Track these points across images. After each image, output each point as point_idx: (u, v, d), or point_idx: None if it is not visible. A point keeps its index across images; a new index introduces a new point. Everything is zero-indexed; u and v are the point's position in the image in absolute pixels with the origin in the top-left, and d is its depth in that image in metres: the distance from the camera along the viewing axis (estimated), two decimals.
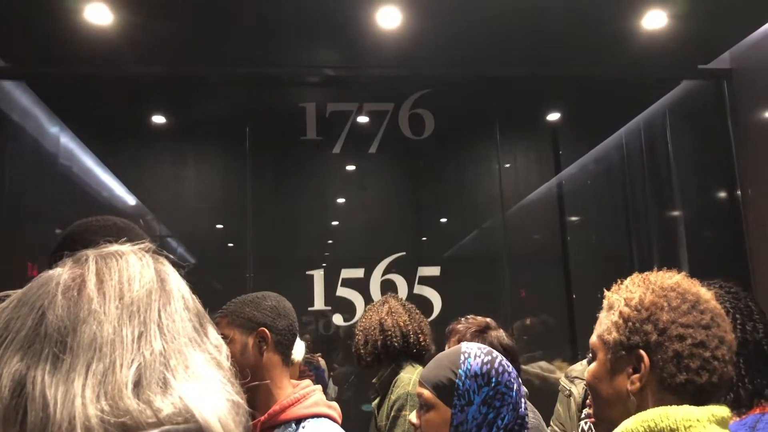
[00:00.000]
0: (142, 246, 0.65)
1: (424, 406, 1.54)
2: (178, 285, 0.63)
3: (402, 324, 2.84)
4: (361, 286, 4.53)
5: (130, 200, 4.59)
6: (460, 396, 1.50)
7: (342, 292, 4.52)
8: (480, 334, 2.45)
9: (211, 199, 4.76)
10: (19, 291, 0.59)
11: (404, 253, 4.61)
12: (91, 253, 0.62)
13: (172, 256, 0.67)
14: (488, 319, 2.60)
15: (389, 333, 2.81)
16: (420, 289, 4.56)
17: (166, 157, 4.78)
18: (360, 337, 2.91)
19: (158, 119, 4.73)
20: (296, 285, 4.49)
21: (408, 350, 2.82)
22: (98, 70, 4.31)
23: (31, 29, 3.81)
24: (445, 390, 1.51)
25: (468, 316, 2.64)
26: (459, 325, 2.58)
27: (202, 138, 4.76)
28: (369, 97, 4.73)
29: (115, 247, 0.64)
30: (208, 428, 0.54)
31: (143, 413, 0.52)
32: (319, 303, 4.49)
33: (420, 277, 4.58)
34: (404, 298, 4.36)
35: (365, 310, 3.02)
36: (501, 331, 2.56)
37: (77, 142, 4.53)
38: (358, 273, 4.56)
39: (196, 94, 4.72)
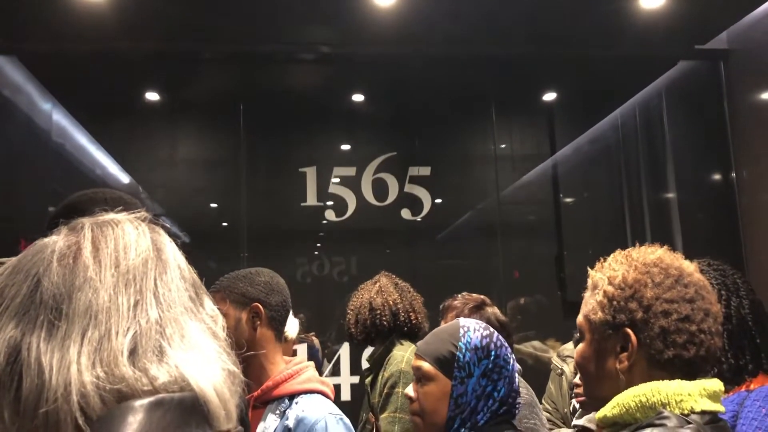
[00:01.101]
0: (138, 215, 0.65)
1: (423, 379, 1.55)
2: (174, 255, 0.63)
3: (391, 302, 2.85)
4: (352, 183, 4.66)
5: (124, 178, 4.57)
6: (460, 368, 1.51)
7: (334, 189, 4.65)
8: (477, 310, 2.49)
9: (206, 178, 4.75)
10: (14, 258, 0.59)
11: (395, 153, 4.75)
12: (86, 221, 0.62)
13: (168, 226, 0.67)
14: (483, 297, 2.63)
15: (378, 312, 2.82)
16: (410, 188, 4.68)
17: (160, 135, 4.76)
18: (351, 316, 2.92)
19: (152, 96, 4.70)
20: (291, 251, 4.54)
21: (399, 328, 2.84)
22: (92, 46, 4.26)
23: (24, 3, 3.76)
24: (446, 362, 1.53)
25: (464, 293, 2.66)
26: (456, 302, 2.61)
27: (196, 115, 4.74)
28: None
29: (111, 216, 0.64)
30: (204, 397, 0.54)
31: (139, 381, 0.52)
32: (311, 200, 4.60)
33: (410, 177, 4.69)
34: (395, 196, 4.45)
35: (357, 289, 3.02)
36: (496, 308, 2.59)
37: (70, 119, 4.50)
38: (350, 171, 4.66)
39: (190, 72, 4.68)
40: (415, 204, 4.66)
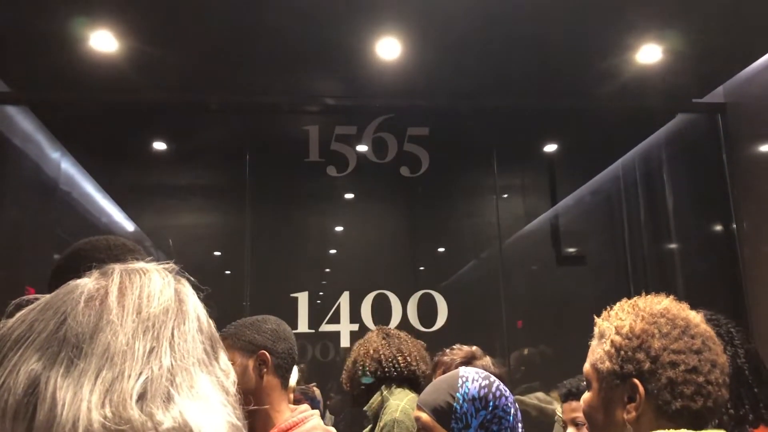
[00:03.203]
0: (166, 266, 0.68)
1: (422, 430, 1.55)
2: (195, 307, 0.66)
3: (372, 351, 2.82)
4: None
5: (129, 226, 4.60)
6: (457, 419, 1.51)
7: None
8: (465, 365, 2.44)
9: (210, 226, 4.78)
10: (48, 296, 0.62)
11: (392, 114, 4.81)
12: (117, 267, 0.64)
13: (193, 279, 0.70)
14: (474, 348, 2.59)
15: (360, 363, 2.81)
16: (409, 147, 4.75)
17: (166, 184, 4.81)
18: (345, 377, 2.93)
19: (159, 146, 4.76)
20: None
21: (388, 375, 2.79)
22: (100, 97, 4.36)
23: (36, 55, 3.85)
24: (443, 413, 1.52)
25: (453, 346, 2.63)
26: (445, 357, 2.57)
27: (202, 165, 4.79)
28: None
29: (140, 264, 0.66)
30: None
31: (144, 425, 0.53)
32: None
33: (409, 136, 4.75)
34: (395, 154, 4.66)
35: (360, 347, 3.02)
36: (487, 359, 2.54)
37: (78, 167, 4.56)
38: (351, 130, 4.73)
39: (197, 122, 4.76)
40: (414, 162, 4.76)
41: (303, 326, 4.37)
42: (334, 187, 4.75)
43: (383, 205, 4.97)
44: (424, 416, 1.55)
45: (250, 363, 1.73)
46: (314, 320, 4.41)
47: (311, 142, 4.70)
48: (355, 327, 4.39)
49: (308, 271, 4.62)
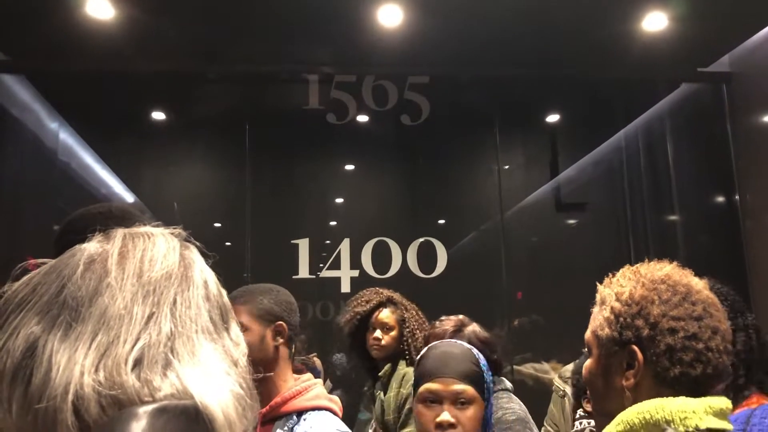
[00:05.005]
0: (173, 231, 0.66)
1: (466, 402, 1.52)
2: (202, 274, 0.64)
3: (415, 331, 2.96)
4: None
5: (129, 197, 4.59)
6: (488, 389, 1.54)
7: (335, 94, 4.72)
8: (457, 333, 2.49)
9: (210, 197, 4.76)
10: (54, 259, 0.61)
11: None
12: (120, 231, 0.63)
13: (199, 244, 0.67)
14: (461, 316, 2.63)
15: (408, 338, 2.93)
16: (409, 95, 4.76)
17: (165, 154, 4.79)
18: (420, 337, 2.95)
19: (158, 116, 4.73)
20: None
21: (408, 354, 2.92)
22: (99, 66, 4.32)
23: (32, 23, 3.81)
24: (479, 384, 1.54)
25: (441, 318, 2.67)
26: (436, 329, 2.62)
27: (202, 135, 4.76)
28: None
29: (146, 228, 0.65)
30: (207, 412, 0.54)
31: (140, 391, 0.52)
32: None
33: (410, 84, 4.75)
34: (395, 102, 4.70)
35: (415, 310, 3.05)
36: (475, 324, 2.59)
37: (76, 137, 4.53)
38: (351, 78, 4.71)
39: (196, 91, 4.72)
40: (414, 111, 4.75)
41: (304, 272, 4.40)
42: (334, 135, 4.72)
43: (383, 152, 4.94)
44: (470, 389, 1.52)
45: (268, 332, 1.73)
46: (315, 267, 4.45)
47: (311, 90, 4.68)
48: (356, 273, 4.44)
49: (309, 219, 4.65)
